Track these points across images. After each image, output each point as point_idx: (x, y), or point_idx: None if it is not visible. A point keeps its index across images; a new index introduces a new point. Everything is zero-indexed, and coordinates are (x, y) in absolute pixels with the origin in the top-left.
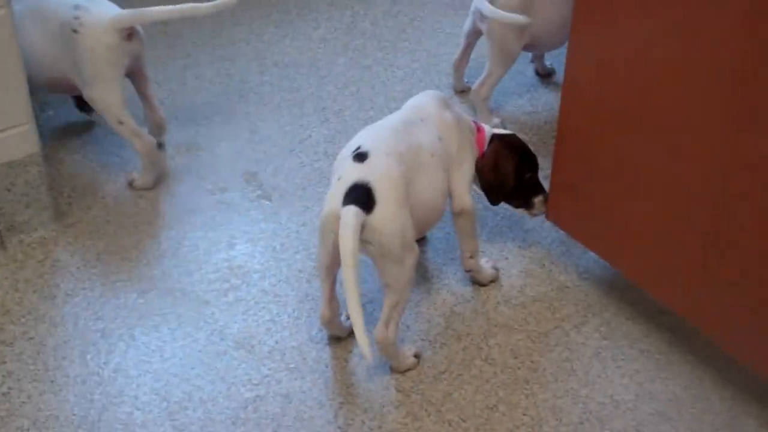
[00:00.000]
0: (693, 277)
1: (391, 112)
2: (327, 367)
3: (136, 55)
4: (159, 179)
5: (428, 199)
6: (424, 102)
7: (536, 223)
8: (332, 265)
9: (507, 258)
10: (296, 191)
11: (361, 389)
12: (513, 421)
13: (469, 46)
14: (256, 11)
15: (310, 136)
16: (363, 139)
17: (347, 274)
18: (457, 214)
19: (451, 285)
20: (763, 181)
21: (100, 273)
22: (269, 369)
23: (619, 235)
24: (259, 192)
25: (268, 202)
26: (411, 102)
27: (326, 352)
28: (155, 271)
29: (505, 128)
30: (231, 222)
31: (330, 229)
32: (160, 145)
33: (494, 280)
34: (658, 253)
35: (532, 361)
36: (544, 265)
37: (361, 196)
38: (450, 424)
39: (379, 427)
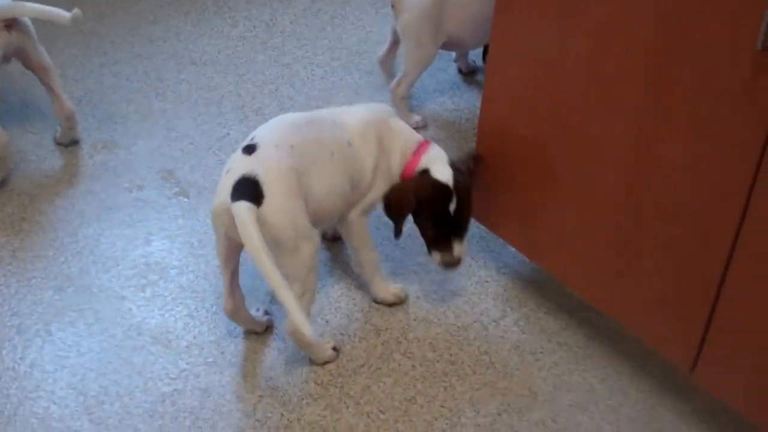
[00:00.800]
0: (608, 271)
1: (310, 110)
2: (245, 360)
3: (18, 46)
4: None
5: (322, 195)
6: (355, 110)
7: None
8: (228, 256)
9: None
10: (214, 188)
11: (279, 382)
12: (431, 413)
13: (396, 43)
14: (173, 9)
15: (228, 134)
16: (258, 131)
17: (262, 267)
18: (347, 226)
19: None
20: (673, 181)
21: (16, 270)
22: (187, 363)
23: (538, 231)
24: (176, 189)
25: (185, 199)
26: (347, 107)
27: (244, 346)
28: (72, 268)
29: (449, 161)
30: (148, 219)
31: (220, 222)
32: (75, 141)
33: (392, 304)
34: (576, 248)
35: (450, 354)
36: None
37: (249, 189)
38: (369, 416)
39: (298, 420)
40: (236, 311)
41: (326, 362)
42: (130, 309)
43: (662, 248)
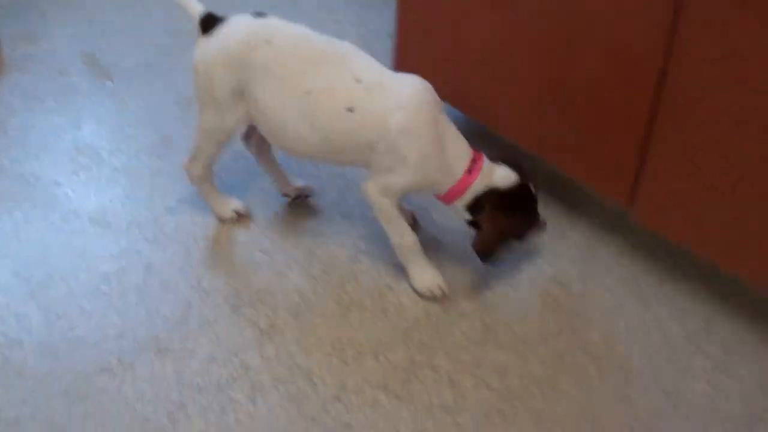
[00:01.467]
0: (537, 111)
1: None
2: (187, 235)
3: None
4: None
5: (269, 114)
6: (395, 83)
7: None
8: None
9: None
10: (137, 69)
11: (222, 254)
12: (377, 271)
13: None
14: None
15: (149, 17)
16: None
17: None
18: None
19: None
20: (599, 16)
21: None
22: (128, 242)
23: (466, 81)
24: (100, 73)
25: (110, 83)
26: (398, 75)
27: (185, 222)
28: (4, 160)
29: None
30: (76, 104)
31: None
32: None
33: (424, 295)
34: (506, 92)
35: None
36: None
37: (212, 21)
38: (314, 278)
39: (246, 287)
40: (251, 143)
41: (223, 220)
42: (66, 194)
43: (590, 82)
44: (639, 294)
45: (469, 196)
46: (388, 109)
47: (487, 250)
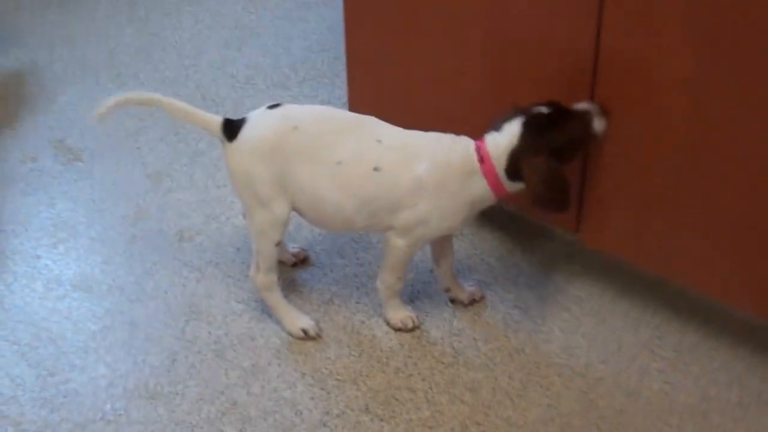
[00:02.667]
0: None
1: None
2: (166, 293)
3: None
4: None
5: (308, 192)
6: (417, 139)
7: None
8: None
9: None
10: (106, 150)
11: (202, 306)
12: (349, 310)
13: None
14: None
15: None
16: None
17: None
18: (384, 241)
19: None
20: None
21: None
22: (110, 303)
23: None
24: (70, 155)
25: (80, 163)
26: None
27: (163, 281)
28: None
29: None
30: (47, 185)
31: None
32: None
33: (401, 328)
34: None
35: (357, 258)
36: None
37: (235, 125)
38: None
39: (226, 334)
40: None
41: (291, 335)
42: (47, 264)
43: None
44: (594, 310)
45: (500, 172)
46: (410, 161)
47: (552, 206)
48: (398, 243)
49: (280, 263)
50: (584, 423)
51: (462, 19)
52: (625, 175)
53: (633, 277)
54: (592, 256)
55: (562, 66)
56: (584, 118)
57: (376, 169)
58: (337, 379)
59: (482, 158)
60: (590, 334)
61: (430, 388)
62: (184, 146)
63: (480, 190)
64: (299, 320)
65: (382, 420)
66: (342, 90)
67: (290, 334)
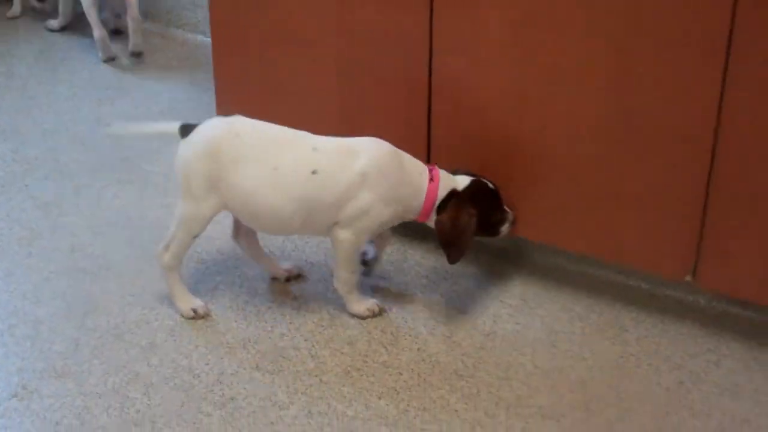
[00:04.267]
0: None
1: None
2: (65, 294)
3: None
4: None
5: (242, 194)
6: (350, 143)
7: None
8: None
9: None
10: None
11: (99, 301)
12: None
13: None
14: None
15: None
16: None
17: None
18: (331, 239)
19: None
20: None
21: None
22: (14, 306)
23: None
24: None
25: None
26: (354, 139)
27: (61, 285)
28: None
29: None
30: None
31: None
32: None
33: (369, 316)
34: None
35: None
36: None
37: (189, 127)
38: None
39: (123, 322)
40: (240, 241)
41: (181, 314)
42: None
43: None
44: (447, 275)
45: (437, 202)
46: (347, 160)
47: (448, 242)
48: (345, 235)
49: (274, 279)
50: (450, 359)
51: (317, 45)
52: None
53: (480, 247)
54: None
55: (399, 82)
56: (506, 214)
57: (314, 172)
58: (229, 347)
59: (432, 179)
60: (446, 293)
61: (313, 346)
62: (68, 182)
63: (415, 201)
64: (190, 301)
65: (272, 374)
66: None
67: (181, 313)
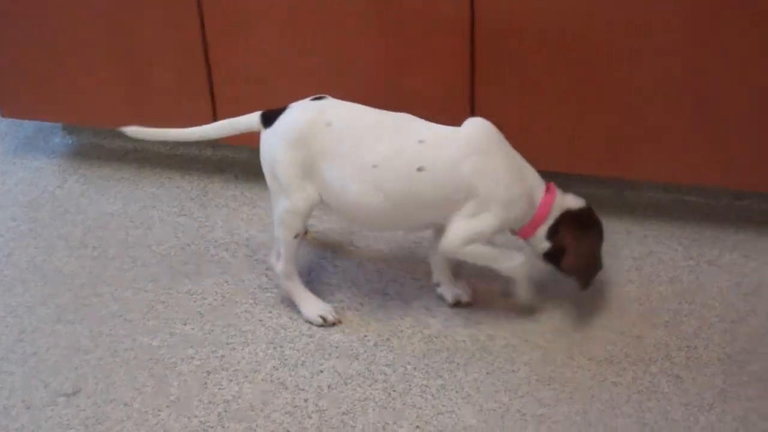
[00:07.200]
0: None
1: None
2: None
3: None
4: None
5: (335, 189)
6: (460, 132)
7: None
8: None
9: None
10: None
11: None
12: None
13: None
14: None
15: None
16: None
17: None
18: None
19: None
20: None
21: None
22: None
23: None
24: None
25: None
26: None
27: None
28: None
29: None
30: None
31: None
32: None
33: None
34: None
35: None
36: None
37: (274, 112)
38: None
39: None
40: None
41: (309, 322)
42: None
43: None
44: (245, 202)
45: (549, 220)
46: (458, 158)
47: (585, 268)
48: (459, 248)
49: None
50: (254, 275)
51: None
52: None
53: None
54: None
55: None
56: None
57: (419, 169)
58: (27, 306)
59: (548, 189)
60: (245, 219)
61: (115, 290)
62: None
63: (526, 208)
64: (317, 307)
65: (74, 323)
66: None
67: (309, 321)
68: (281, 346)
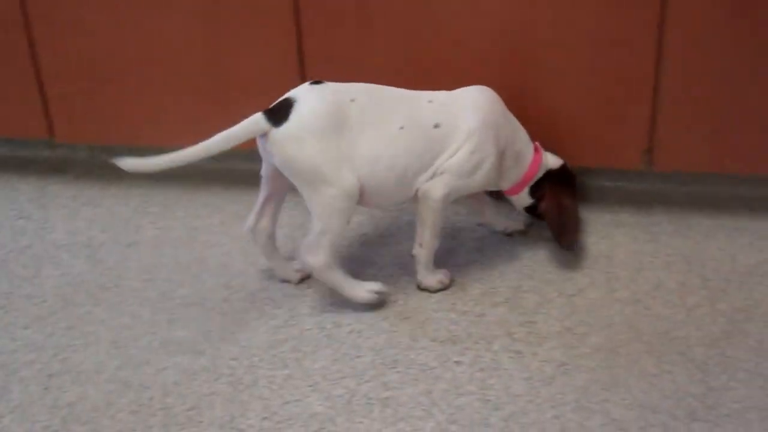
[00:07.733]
0: None
1: None
2: None
3: None
4: None
5: (370, 160)
6: (463, 92)
7: None
8: (267, 177)
9: None
10: None
11: None
12: None
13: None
14: None
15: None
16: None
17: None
18: (420, 197)
19: None
20: None
21: None
22: None
23: None
24: None
25: None
26: (460, 91)
27: None
28: None
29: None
30: None
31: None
32: None
33: (436, 290)
34: None
35: None
36: None
37: (280, 109)
38: None
39: None
40: (257, 234)
41: (363, 302)
42: None
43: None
44: (112, 198)
45: (535, 179)
46: (465, 114)
47: (560, 228)
48: (437, 195)
49: (285, 282)
50: (94, 275)
51: None
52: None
53: None
54: None
55: None
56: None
57: (436, 125)
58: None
59: (536, 149)
60: (86, 219)
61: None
62: None
63: (517, 167)
64: (364, 285)
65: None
66: None
67: (361, 301)
68: (125, 346)
